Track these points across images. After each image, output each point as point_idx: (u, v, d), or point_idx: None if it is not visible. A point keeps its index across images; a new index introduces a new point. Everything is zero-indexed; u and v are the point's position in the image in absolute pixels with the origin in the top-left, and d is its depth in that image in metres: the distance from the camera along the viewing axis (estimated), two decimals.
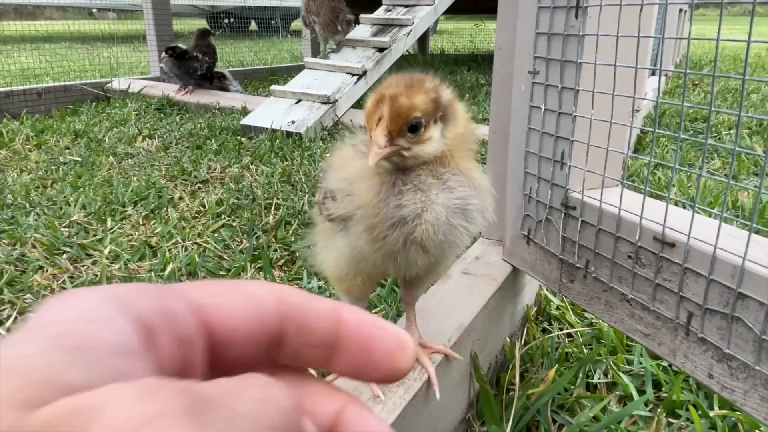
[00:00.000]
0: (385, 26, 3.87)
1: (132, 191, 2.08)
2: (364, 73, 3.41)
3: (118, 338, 0.22)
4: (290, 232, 1.75)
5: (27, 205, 1.95)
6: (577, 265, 0.92)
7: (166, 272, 1.48)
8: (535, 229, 1.01)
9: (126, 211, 1.91)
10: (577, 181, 0.90)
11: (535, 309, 1.28)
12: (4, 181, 2.24)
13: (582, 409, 1.00)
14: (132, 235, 1.73)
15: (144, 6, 4.70)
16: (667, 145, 2.78)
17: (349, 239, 0.68)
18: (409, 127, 0.59)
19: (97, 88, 4.15)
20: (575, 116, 0.87)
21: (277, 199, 1.99)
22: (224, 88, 4.28)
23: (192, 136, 2.98)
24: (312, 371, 0.34)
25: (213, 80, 4.19)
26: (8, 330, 1.23)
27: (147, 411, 0.18)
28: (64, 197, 2.03)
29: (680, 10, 4.70)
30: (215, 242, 1.67)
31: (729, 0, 0.61)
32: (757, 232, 0.68)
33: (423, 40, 7.71)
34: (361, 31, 3.92)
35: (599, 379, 1.08)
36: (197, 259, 1.54)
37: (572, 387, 1.04)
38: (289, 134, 2.95)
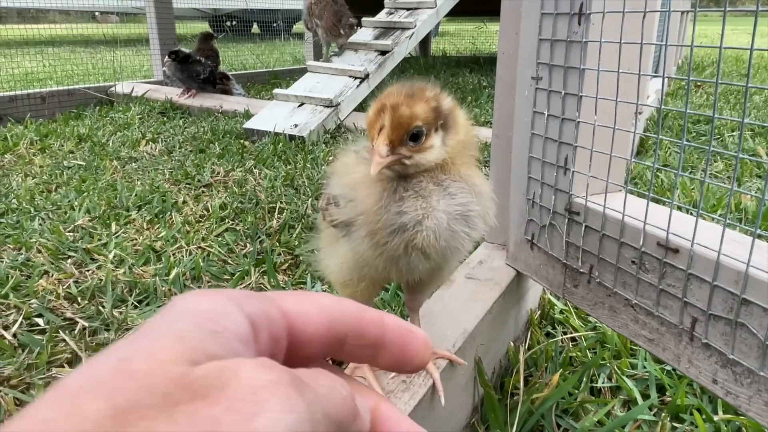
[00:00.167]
0: (387, 29, 3.88)
1: (136, 195, 2.09)
2: (367, 76, 3.42)
3: (238, 328, 0.29)
4: (294, 235, 1.75)
5: (32, 209, 1.96)
6: (581, 270, 0.92)
7: (171, 277, 1.48)
8: (538, 233, 1.02)
9: (130, 215, 1.92)
10: (581, 187, 0.91)
11: (538, 313, 1.28)
12: (9, 186, 2.25)
13: (586, 414, 1.00)
14: (136, 239, 1.74)
15: (147, 9, 4.72)
16: (670, 147, 2.78)
17: (352, 245, 0.69)
18: (410, 136, 0.59)
19: (101, 92, 4.17)
20: (578, 122, 0.88)
21: (281, 202, 2.00)
22: (227, 90, 4.30)
23: (195, 140, 2.99)
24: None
25: (216, 83, 4.20)
26: (14, 335, 1.24)
27: (267, 377, 0.26)
28: (69, 202, 2.04)
29: (682, 12, 4.69)
30: (219, 246, 1.68)
31: (731, 8, 0.61)
32: (759, 237, 0.68)
33: (425, 42, 7.72)
34: (364, 34, 3.93)
35: (603, 383, 1.08)
36: (201, 264, 1.55)
37: (576, 391, 1.04)
38: (292, 138, 2.96)
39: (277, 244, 1.70)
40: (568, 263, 0.95)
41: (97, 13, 12.41)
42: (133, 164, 2.59)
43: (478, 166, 0.70)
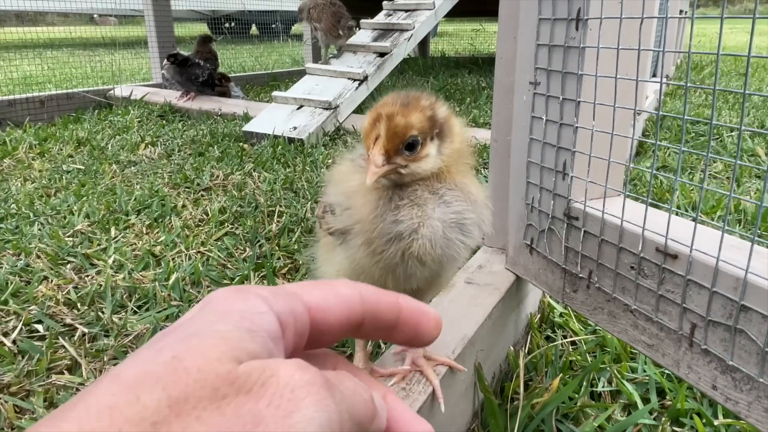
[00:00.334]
0: (385, 31, 3.88)
1: (135, 200, 2.09)
2: (366, 78, 3.42)
3: (270, 327, 0.32)
4: (293, 239, 1.75)
5: (31, 214, 1.96)
6: (580, 275, 0.92)
7: (170, 282, 1.48)
8: (537, 238, 1.02)
9: (129, 219, 1.92)
10: (580, 192, 0.91)
11: (538, 316, 1.28)
12: (8, 191, 2.25)
13: (586, 419, 1.00)
14: (136, 244, 1.74)
15: (145, 12, 4.72)
16: (668, 148, 2.78)
17: (349, 253, 0.69)
18: (405, 145, 0.60)
19: (100, 95, 4.17)
20: (576, 127, 0.88)
21: (280, 206, 2.00)
22: (226, 92, 4.29)
23: (194, 143, 2.99)
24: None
25: (215, 86, 4.20)
26: (13, 342, 1.24)
27: (303, 377, 0.29)
28: (68, 206, 2.04)
29: (681, 11, 4.70)
30: (219, 251, 1.68)
31: (728, 15, 0.61)
32: (759, 236, 0.68)
33: (424, 43, 7.72)
34: (362, 36, 3.93)
35: (603, 387, 1.08)
36: (201, 268, 1.55)
37: (577, 396, 1.04)
38: (291, 140, 2.96)
39: (277, 248, 1.70)
40: (568, 268, 0.95)
41: (95, 16, 12.41)
42: (132, 168, 2.59)
43: (474, 174, 0.70)
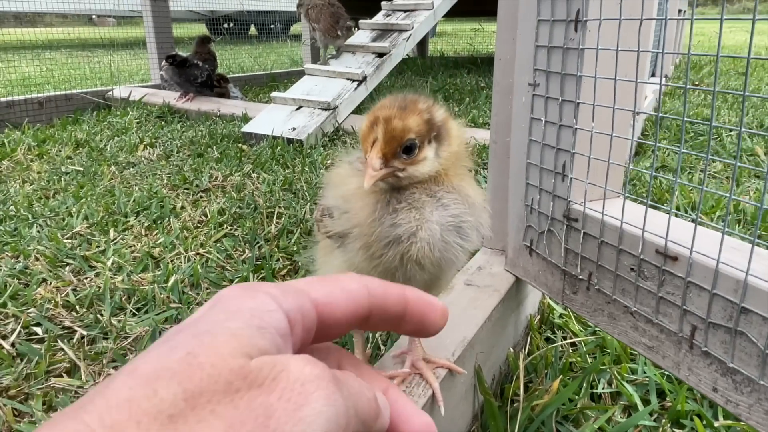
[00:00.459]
0: (384, 31, 3.88)
1: (134, 201, 2.08)
2: (364, 78, 3.42)
3: (278, 324, 0.33)
4: (292, 241, 1.75)
5: (29, 216, 1.95)
6: (580, 277, 0.92)
7: (169, 284, 1.48)
8: (537, 240, 1.02)
9: (128, 221, 1.92)
10: (579, 193, 0.91)
11: (538, 318, 1.28)
12: (7, 193, 2.25)
13: (587, 420, 1.00)
14: (134, 246, 1.74)
15: (144, 12, 4.72)
16: (667, 149, 2.78)
17: (347, 256, 0.68)
18: (403, 148, 0.59)
19: (98, 96, 4.16)
20: (576, 129, 0.88)
21: (279, 207, 2.00)
22: (225, 93, 4.29)
23: (193, 144, 2.99)
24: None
25: (213, 87, 4.20)
26: (12, 345, 1.24)
27: (313, 371, 0.30)
28: (67, 208, 2.03)
29: (679, 11, 4.70)
30: (218, 252, 1.67)
31: (728, 17, 0.61)
32: (759, 237, 0.68)
33: (422, 43, 7.72)
34: (361, 36, 3.93)
35: (603, 389, 1.08)
36: (200, 270, 1.54)
37: (577, 398, 1.04)
38: (290, 141, 2.95)
39: (276, 249, 1.70)
40: (567, 270, 0.94)
41: (94, 16, 12.40)
42: (131, 169, 2.59)
43: (472, 177, 0.69)
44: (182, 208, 2.04)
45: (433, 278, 0.71)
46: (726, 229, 0.67)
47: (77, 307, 1.39)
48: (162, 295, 1.44)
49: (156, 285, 1.47)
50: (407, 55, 4.94)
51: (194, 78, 4.01)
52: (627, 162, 0.88)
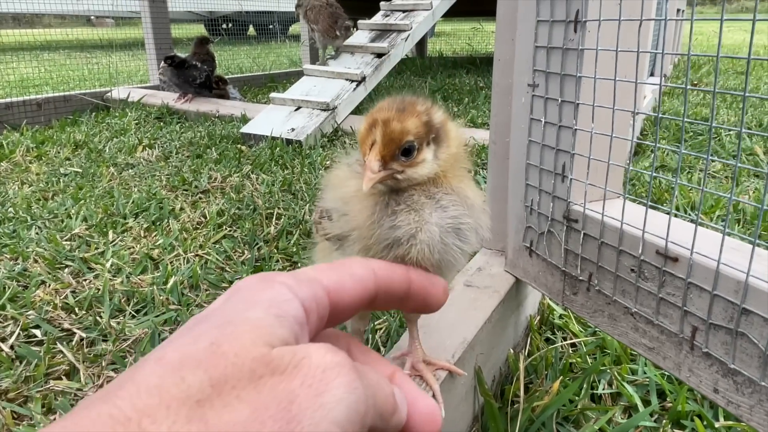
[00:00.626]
0: (383, 32, 3.88)
1: (133, 203, 2.08)
2: (363, 79, 3.42)
3: (295, 312, 0.35)
4: (291, 242, 1.75)
5: (28, 218, 1.95)
6: (580, 278, 0.91)
7: (169, 285, 1.48)
8: (537, 240, 1.01)
9: (127, 223, 1.91)
10: (579, 194, 0.90)
11: (538, 318, 1.28)
12: (6, 194, 2.25)
13: (587, 421, 1.00)
14: (133, 247, 1.73)
15: (142, 13, 4.71)
16: (667, 149, 2.78)
17: (346, 258, 0.68)
18: (401, 151, 0.59)
19: (97, 97, 4.16)
20: (575, 129, 0.87)
21: (278, 208, 2.00)
22: (224, 94, 4.29)
23: (192, 145, 2.99)
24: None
25: (212, 88, 4.19)
26: (11, 347, 1.23)
27: (334, 358, 0.31)
28: (66, 210, 2.03)
29: (678, 10, 4.70)
30: (217, 254, 1.67)
31: (728, 17, 0.61)
32: (759, 237, 0.68)
33: (421, 43, 7.72)
34: (360, 36, 3.93)
35: (604, 389, 1.08)
36: (199, 272, 1.54)
37: (577, 398, 1.04)
38: (289, 142, 2.95)
39: (275, 250, 1.70)
40: (567, 271, 0.94)
41: (92, 17, 12.39)
42: (130, 171, 2.58)
43: (471, 178, 0.69)
44: (181, 209, 2.04)
45: None
46: (726, 230, 0.67)
47: (76, 309, 1.39)
48: (161, 297, 1.43)
49: (155, 287, 1.47)
50: (406, 55, 4.93)
51: (193, 79, 4.00)
52: (627, 162, 0.87)
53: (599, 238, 0.86)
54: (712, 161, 2.52)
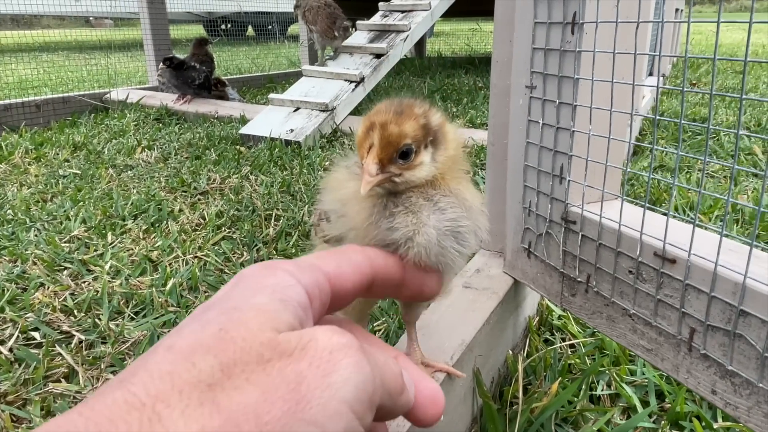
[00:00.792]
0: (382, 32, 3.88)
1: (132, 204, 2.08)
2: (362, 79, 3.42)
3: (299, 297, 0.36)
4: (291, 243, 1.75)
5: (27, 220, 1.95)
6: (579, 279, 0.92)
7: (168, 287, 1.48)
8: (535, 242, 1.01)
9: (126, 224, 1.91)
10: (577, 195, 0.90)
11: (537, 319, 1.28)
12: (4, 196, 2.25)
13: (586, 422, 1.00)
14: (132, 249, 1.73)
15: (141, 14, 4.71)
16: (666, 145, 2.78)
17: None
18: (399, 154, 0.59)
19: (96, 99, 4.16)
20: (573, 131, 0.87)
21: (277, 209, 2.00)
22: (223, 96, 4.29)
23: (191, 147, 2.99)
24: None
25: (211, 89, 4.19)
26: (10, 350, 1.23)
27: (340, 340, 0.32)
28: (64, 211, 2.03)
29: (676, 10, 4.70)
30: (216, 255, 1.67)
31: (725, 20, 0.61)
32: (757, 237, 0.68)
33: (420, 43, 7.72)
34: (358, 37, 3.93)
35: (602, 390, 1.08)
36: (198, 274, 1.54)
37: (576, 399, 1.04)
38: (287, 143, 2.95)
39: (275, 252, 1.70)
40: (566, 272, 0.94)
41: (91, 18, 12.38)
42: (129, 172, 2.58)
43: (469, 180, 0.69)
44: (180, 210, 2.04)
45: None
46: (724, 232, 0.67)
47: (75, 311, 1.39)
48: (160, 299, 1.43)
49: (154, 289, 1.47)
50: (405, 55, 4.93)
51: (191, 80, 4.00)
52: (625, 163, 0.87)
53: (597, 239, 0.86)
54: (711, 162, 2.52)
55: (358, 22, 4.03)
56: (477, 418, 0.98)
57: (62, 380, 1.16)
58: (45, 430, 0.27)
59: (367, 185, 0.57)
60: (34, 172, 2.59)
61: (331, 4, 3.89)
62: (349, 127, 3.20)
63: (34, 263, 1.62)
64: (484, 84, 4.87)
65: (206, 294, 1.48)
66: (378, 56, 3.63)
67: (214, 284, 1.52)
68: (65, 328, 1.32)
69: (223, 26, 11.53)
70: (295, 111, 3.26)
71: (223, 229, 1.87)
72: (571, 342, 1.22)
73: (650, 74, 3.98)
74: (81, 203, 2.11)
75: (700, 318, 0.71)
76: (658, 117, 0.76)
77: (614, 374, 1.10)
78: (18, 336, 1.28)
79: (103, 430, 0.26)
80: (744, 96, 0.61)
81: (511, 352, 1.13)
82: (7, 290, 1.45)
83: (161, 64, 4.09)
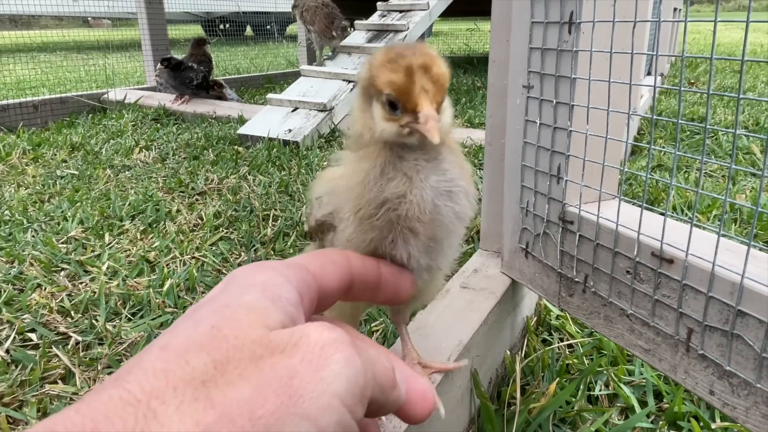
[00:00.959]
0: (380, 32, 3.88)
1: (129, 205, 2.07)
2: None
3: (289, 295, 0.36)
4: (288, 243, 1.75)
5: (24, 221, 1.95)
6: (576, 280, 0.91)
7: (165, 288, 1.47)
8: (533, 242, 1.01)
9: (124, 225, 1.91)
10: (574, 195, 0.90)
11: (535, 319, 1.28)
12: (2, 197, 2.24)
13: (584, 423, 1.00)
14: (130, 250, 1.73)
15: (139, 14, 4.70)
16: (664, 145, 2.78)
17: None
18: None
19: (94, 99, 4.15)
20: (570, 131, 0.87)
21: (275, 210, 1.99)
22: (221, 97, 4.28)
23: (189, 147, 2.98)
24: None
25: (209, 89, 4.18)
26: (7, 351, 1.23)
27: (331, 335, 0.33)
28: (62, 212, 2.02)
29: (675, 9, 4.71)
30: (213, 256, 1.67)
31: (722, 20, 0.60)
32: (755, 237, 0.68)
33: None
34: (357, 37, 3.92)
35: (600, 391, 1.08)
36: (196, 274, 1.54)
37: (574, 400, 1.03)
38: (286, 143, 2.95)
39: (272, 252, 1.69)
40: (563, 272, 0.94)
41: (89, 18, 12.37)
42: (127, 173, 2.58)
43: (459, 149, 0.67)
44: (178, 211, 2.04)
45: (433, 252, 0.64)
46: (721, 232, 0.67)
47: (72, 312, 1.38)
48: (157, 300, 1.43)
49: (151, 289, 1.47)
50: None
51: (189, 80, 4.00)
52: (623, 162, 0.87)
53: (595, 239, 0.86)
54: (708, 162, 2.52)
55: (356, 21, 4.03)
56: (474, 418, 0.98)
57: (59, 382, 1.16)
58: (42, 428, 0.28)
59: (437, 131, 0.53)
60: (31, 173, 2.59)
61: (329, 4, 3.89)
62: (347, 128, 3.19)
63: (31, 264, 1.61)
64: (483, 84, 4.87)
65: (204, 295, 1.48)
66: None
67: (211, 285, 1.52)
68: (62, 329, 1.32)
69: (221, 26, 11.52)
70: (293, 111, 3.26)
71: (221, 229, 1.87)
72: (569, 342, 1.22)
73: (649, 73, 3.98)
74: (78, 204, 2.11)
75: (698, 318, 0.71)
76: (655, 117, 0.76)
77: (612, 374, 1.10)
78: (15, 337, 1.28)
79: (100, 426, 0.27)
80: (741, 95, 0.61)
81: (508, 352, 1.13)
82: (4, 291, 1.45)
83: (159, 64, 4.08)
